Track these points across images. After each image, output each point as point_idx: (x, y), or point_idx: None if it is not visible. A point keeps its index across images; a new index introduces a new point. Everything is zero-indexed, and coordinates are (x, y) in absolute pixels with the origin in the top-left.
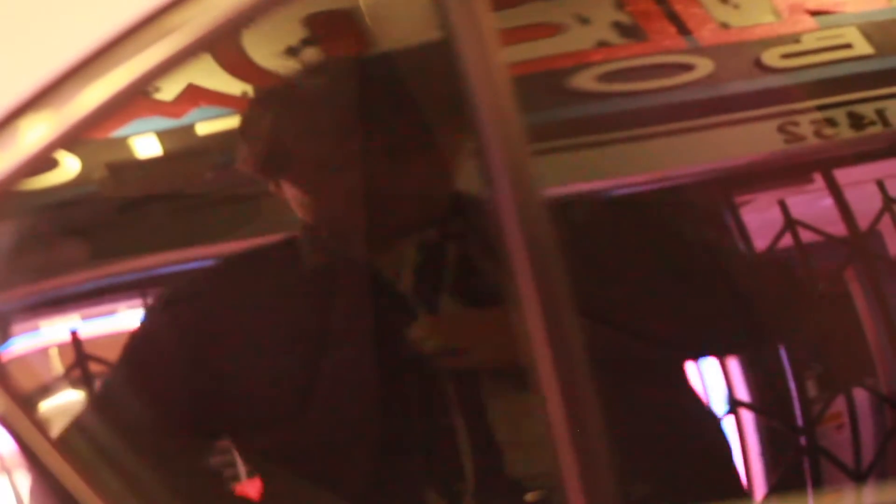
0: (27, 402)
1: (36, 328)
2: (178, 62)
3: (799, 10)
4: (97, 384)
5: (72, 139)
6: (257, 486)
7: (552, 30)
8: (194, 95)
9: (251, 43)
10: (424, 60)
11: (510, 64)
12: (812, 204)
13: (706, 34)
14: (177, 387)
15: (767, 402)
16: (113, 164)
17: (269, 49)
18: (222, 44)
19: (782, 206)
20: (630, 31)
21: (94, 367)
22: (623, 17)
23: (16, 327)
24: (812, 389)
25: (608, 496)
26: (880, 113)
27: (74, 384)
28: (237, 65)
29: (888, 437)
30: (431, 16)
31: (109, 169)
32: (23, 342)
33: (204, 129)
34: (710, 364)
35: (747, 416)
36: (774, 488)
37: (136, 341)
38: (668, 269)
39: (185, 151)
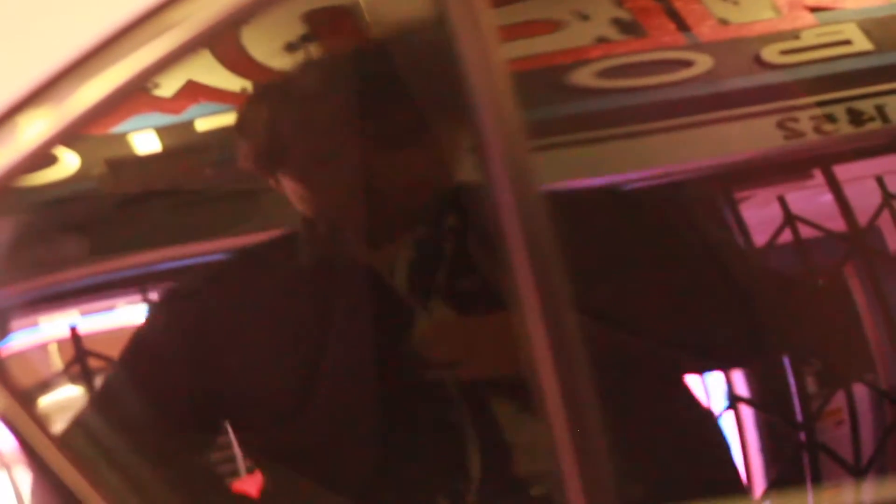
0: (27, 398)
1: (35, 324)
2: (178, 58)
3: (798, 6)
4: (97, 380)
5: (71, 135)
6: (257, 483)
7: (552, 26)
8: (194, 92)
9: (250, 39)
10: (421, 52)
11: (509, 60)
12: (811, 200)
13: (705, 30)
14: (177, 384)
15: (767, 398)
16: (112, 161)
17: (268, 45)
18: (222, 40)
19: (782, 202)
20: (629, 28)
21: (94, 363)
22: (622, 14)
23: (15, 323)
24: (811, 385)
25: (608, 496)
26: (879, 109)
27: (74, 380)
28: (236, 61)
29: (887, 432)
30: (430, 12)
31: (109, 165)
32: (22, 338)
33: (203, 125)
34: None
35: (747, 412)
36: (774, 484)
37: (138, 338)
38: (666, 265)
39: (184, 148)
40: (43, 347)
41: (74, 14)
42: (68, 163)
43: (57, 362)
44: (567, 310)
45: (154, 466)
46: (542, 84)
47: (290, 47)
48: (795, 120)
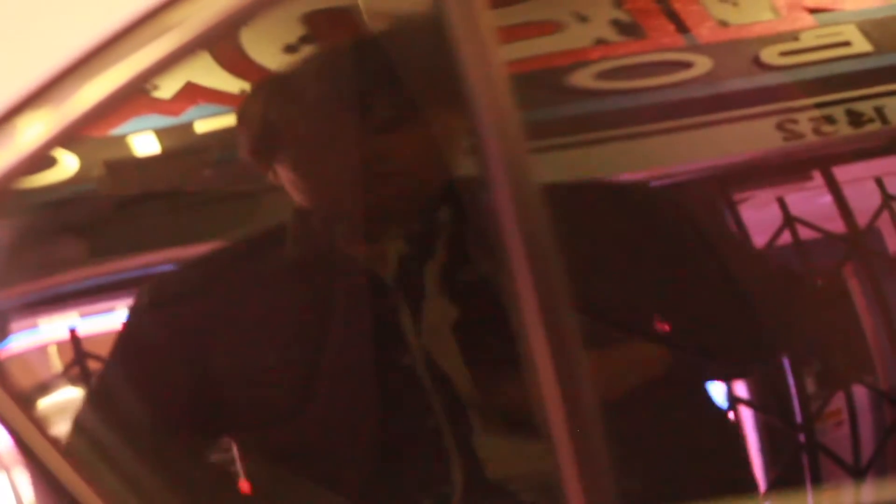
0: (26, 400)
1: (35, 326)
2: (177, 60)
3: (797, 7)
4: (95, 382)
5: (70, 137)
6: (255, 484)
7: (551, 27)
8: (193, 93)
9: (249, 41)
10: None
11: (509, 61)
12: (811, 201)
13: (705, 32)
14: (173, 385)
15: (766, 399)
16: (111, 162)
17: (267, 47)
18: (221, 41)
19: (781, 203)
20: (629, 29)
21: (93, 365)
22: (622, 15)
23: (14, 325)
24: (811, 386)
25: (608, 496)
26: (879, 110)
27: (73, 382)
28: (235, 62)
29: (887, 433)
30: (429, 13)
31: (108, 167)
32: (21, 340)
33: (202, 126)
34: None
35: (746, 413)
36: (774, 484)
37: (129, 339)
38: (666, 265)
39: (183, 149)
40: (42, 349)
41: (73, 15)
42: (67, 165)
43: (56, 364)
44: (566, 308)
45: (153, 468)
46: (541, 85)
47: (289, 49)
48: (795, 121)
